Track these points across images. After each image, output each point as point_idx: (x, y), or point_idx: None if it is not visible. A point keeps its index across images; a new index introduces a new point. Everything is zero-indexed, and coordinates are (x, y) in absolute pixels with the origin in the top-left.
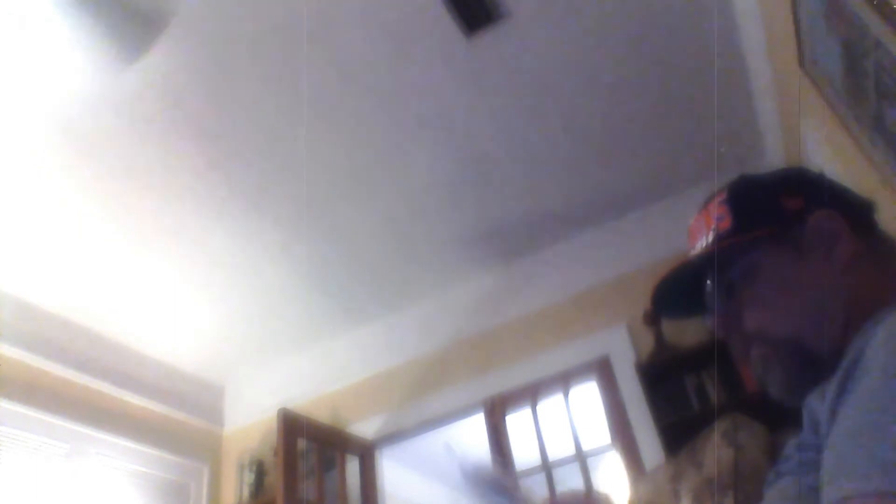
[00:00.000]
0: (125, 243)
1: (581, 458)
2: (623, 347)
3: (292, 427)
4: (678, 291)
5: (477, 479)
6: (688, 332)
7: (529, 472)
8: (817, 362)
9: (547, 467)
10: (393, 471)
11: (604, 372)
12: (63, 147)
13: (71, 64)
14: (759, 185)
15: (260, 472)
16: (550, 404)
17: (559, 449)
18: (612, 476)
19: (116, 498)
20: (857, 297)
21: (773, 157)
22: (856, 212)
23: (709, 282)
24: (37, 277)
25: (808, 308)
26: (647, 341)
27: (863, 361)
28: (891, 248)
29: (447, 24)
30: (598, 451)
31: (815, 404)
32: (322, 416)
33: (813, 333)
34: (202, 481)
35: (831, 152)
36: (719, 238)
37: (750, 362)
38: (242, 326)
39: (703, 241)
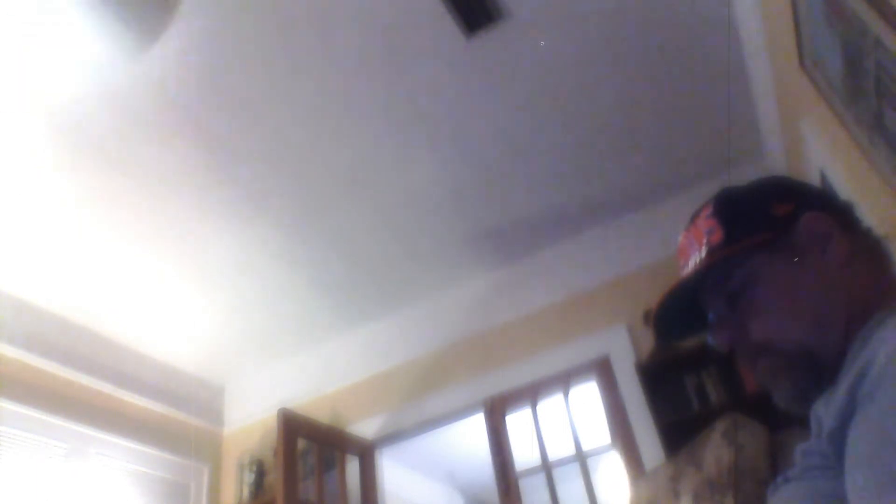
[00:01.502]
0: (125, 243)
1: (581, 458)
2: (623, 347)
3: (292, 427)
4: (679, 313)
5: None
6: None
7: (529, 472)
8: (823, 367)
9: (547, 467)
10: (393, 471)
11: (604, 372)
12: (63, 147)
13: (71, 62)
14: (744, 195)
15: (260, 472)
16: (550, 404)
17: (559, 449)
18: (612, 476)
19: (116, 498)
20: (854, 295)
21: (773, 157)
22: (842, 212)
23: (709, 295)
24: (36, 277)
25: (812, 311)
26: (647, 341)
27: (876, 367)
28: (878, 245)
29: (447, 24)
30: (598, 451)
31: (820, 410)
32: (322, 416)
33: (818, 337)
34: (202, 481)
35: (831, 152)
36: (712, 251)
37: (757, 372)
38: (242, 326)
39: (695, 258)
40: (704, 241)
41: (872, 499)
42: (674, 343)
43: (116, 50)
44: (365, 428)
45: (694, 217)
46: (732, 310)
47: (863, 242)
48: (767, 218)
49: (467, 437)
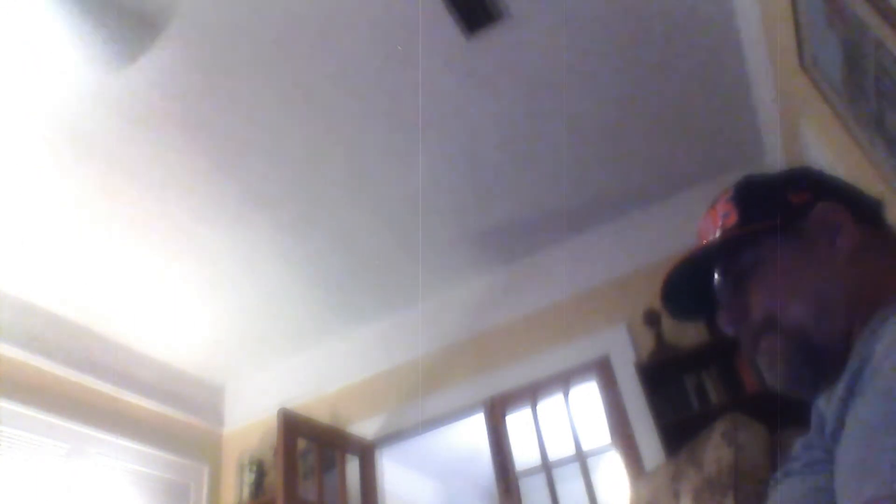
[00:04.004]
0: (125, 243)
1: (581, 458)
2: (623, 347)
3: (292, 427)
4: (686, 287)
5: None
6: (688, 332)
7: (529, 472)
8: (823, 355)
9: (547, 467)
10: (393, 471)
11: (604, 372)
12: (63, 147)
13: (69, 62)
14: (764, 183)
15: (260, 472)
16: (550, 404)
17: (559, 449)
18: (612, 476)
19: (116, 498)
20: (861, 288)
21: (773, 157)
22: (861, 206)
23: (717, 275)
24: (37, 277)
25: (814, 297)
26: (647, 341)
27: (872, 361)
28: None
29: (447, 24)
30: (598, 451)
31: (822, 404)
32: (322, 416)
33: (819, 324)
34: (202, 481)
35: (831, 152)
36: (725, 231)
37: (758, 355)
38: (242, 326)
39: (710, 239)
40: (720, 223)
41: (853, 488)
42: (683, 320)
43: (91, 64)
44: (365, 428)
45: (714, 202)
46: (739, 291)
47: (878, 238)
48: (782, 205)
49: (467, 437)
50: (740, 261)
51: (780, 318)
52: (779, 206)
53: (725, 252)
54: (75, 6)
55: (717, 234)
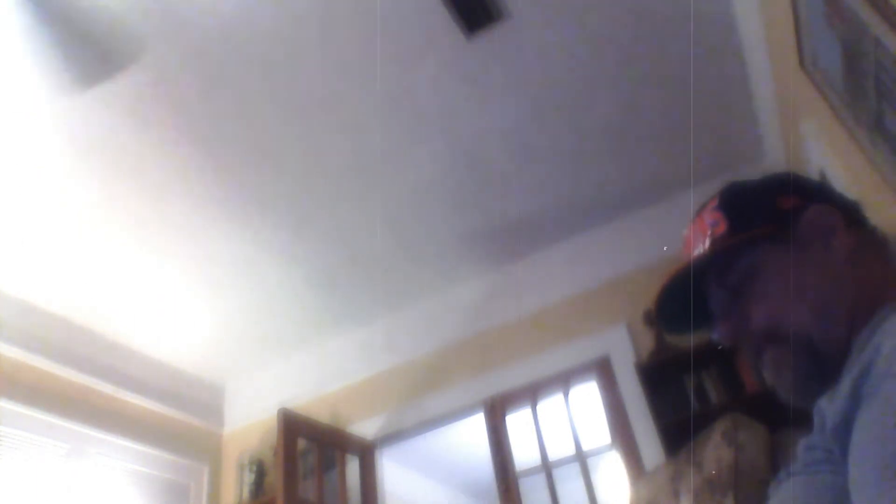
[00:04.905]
0: (126, 243)
1: (581, 458)
2: (623, 347)
3: (292, 427)
4: (681, 301)
5: None
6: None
7: (529, 472)
8: (826, 359)
9: (547, 467)
10: (393, 471)
11: (604, 372)
12: (64, 147)
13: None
14: (750, 189)
15: (260, 472)
16: (550, 404)
17: (559, 449)
18: (612, 476)
19: (116, 498)
20: (860, 289)
21: (773, 157)
22: (848, 208)
23: (712, 286)
24: (37, 277)
25: (817, 301)
26: (647, 341)
27: (878, 362)
28: (885, 242)
29: (447, 24)
30: (598, 451)
31: (823, 404)
32: (322, 416)
33: (822, 328)
34: (202, 481)
35: (831, 152)
36: (716, 241)
37: (762, 365)
38: (242, 326)
39: (699, 250)
40: (709, 232)
41: (874, 495)
42: (678, 335)
43: (50, 81)
44: (365, 428)
45: (700, 210)
46: (735, 301)
47: (869, 239)
48: (772, 210)
49: (467, 437)
50: (736, 270)
51: (782, 322)
52: (768, 212)
53: (720, 262)
54: (39, 24)
55: (708, 244)
